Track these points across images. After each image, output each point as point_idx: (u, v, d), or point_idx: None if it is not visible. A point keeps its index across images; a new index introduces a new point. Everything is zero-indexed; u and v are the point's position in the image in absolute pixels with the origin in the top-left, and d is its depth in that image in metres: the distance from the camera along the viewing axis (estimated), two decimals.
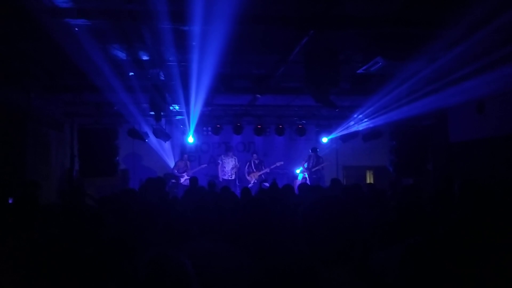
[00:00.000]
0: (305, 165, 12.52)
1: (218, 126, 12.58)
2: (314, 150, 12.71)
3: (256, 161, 12.58)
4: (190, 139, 12.41)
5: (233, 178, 12.31)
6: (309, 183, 11.81)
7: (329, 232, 1.78)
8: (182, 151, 12.63)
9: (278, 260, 1.67)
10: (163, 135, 11.73)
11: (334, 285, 1.69)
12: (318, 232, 1.79)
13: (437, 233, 2.58)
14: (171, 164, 12.80)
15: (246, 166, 12.71)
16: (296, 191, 7.78)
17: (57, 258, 2.82)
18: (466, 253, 2.92)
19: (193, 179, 8.75)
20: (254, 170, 12.51)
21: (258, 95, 9.73)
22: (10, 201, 6.04)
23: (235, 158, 12.48)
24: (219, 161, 12.57)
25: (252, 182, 12.38)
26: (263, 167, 12.53)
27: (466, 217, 3.71)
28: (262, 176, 12.34)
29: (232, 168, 12.38)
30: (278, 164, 12.52)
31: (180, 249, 2.74)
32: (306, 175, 12.47)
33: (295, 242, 2.17)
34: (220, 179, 12.08)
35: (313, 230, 1.80)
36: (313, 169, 12.37)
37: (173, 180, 11.97)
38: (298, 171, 12.92)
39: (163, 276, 1.75)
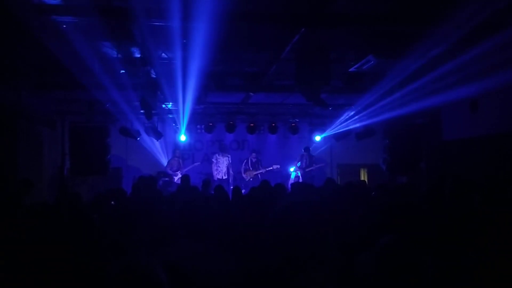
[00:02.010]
0: (298, 164, 12.52)
1: (211, 124, 12.52)
2: (306, 149, 12.69)
3: (254, 160, 12.50)
4: (182, 138, 12.35)
5: (226, 177, 12.24)
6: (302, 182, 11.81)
7: (299, 237, 1.74)
8: (175, 149, 12.56)
9: (258, 261, 1.64)
10: (155, 133, 11.67)
11: (313, 285, 1.66)
12: (288, 237, 1.75)
13: (418, 231, 2.56)
14: (164, 162, 12.74)
15: (243, 164, 12.65)
16: (288, 190, 7.74)
17: (42, 256, 2.78)
18: (452, 250, 2.91)
19: (184, 178, 8.69)
20: (251, 168, 12.46)
21: (251, 93, 9.69)
22: None
23: (229, 157, 12.42)
24: (214, 160, 12.48)
25: (247, 180, 12.33)
26: (260, 166, 12.47)
27: (455, 214, 3.70)
28: (258, 176, 12.29)
29: (226, 167, 12.31)
30: (274, 167, 12.48)
31: (165, 250, 2.71)
32: (299, 174, 12.45)
33: (275, 243, 2.14)
34: (215, 178, 12.00)
35: (283, 236, 1.77)
36: (307, 169, 12.37)
37: (166, 179, 11.90)
38: (292, 169, 12.90)
39: (134, 285, 1.71)
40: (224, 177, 12.18)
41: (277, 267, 1.62)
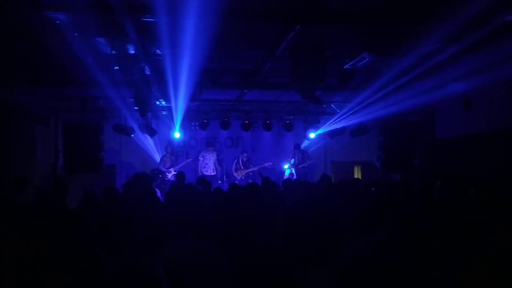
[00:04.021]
0: (292, 161, 12.55)
1: (205, 121, 12.50)
2: (296, 146, 12.74)
3: (245, 159, 12.56)
4: (177, 135, 12.31)
5: (214, 173, 12.25)
6: (296, 178, 11.83)
7: (309, 233, 1.75)
8: (167, 146, 12.52)
9: (255, 257, 1.64)
10: (149, 130, 11.63)
11: (310, 282, 1.66)
12: (298, 233, 1.76)
13: (408, 227, 2.57)
14: (158, 159, 12.71)
15: (234, 163, 12.70)
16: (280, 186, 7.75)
17: (32, 256, 2.76)
18: (437, 246, 2.92)
19: (179, 175, 8.66)
20: (242, 167, 12.50)
21: (246, 90, 9.67)
22: None
23: (215, 153, 12.44)
24: (200, 158, 12.49)
25: (238, 178, 12.35)
26: (251, 165, 12.51)
27: (444, 212, 3.72)
28: (250, 173, 12.31)
29: (214, 163, 12.32)
30: (266, 164, 12.55)
31: (162, 249, 2.70)
32: (293, 171, 12.47)
33: (274, 240, 2.14)
34: (200, 174, 12.00)
35: (292, 231, 1.77)
36: (299, 166, 12.40)
37: (160, 176, 11.88)
38: (286, 166, 12.91)
39: (133, 284, 1.70)
40: (212, 173, 12.20)
41: (275, 262, 1.62)
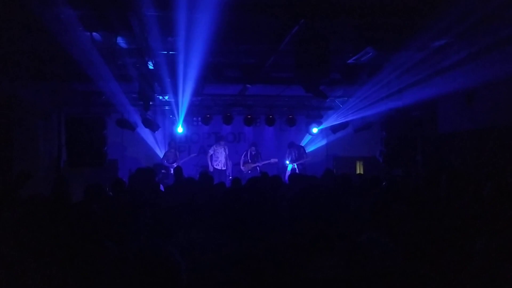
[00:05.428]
0: (288, 160, 12.55)
1: (208, 116, 12.51)
2: (290, 145, 12.72)
3: (253, 153, 12.53)
4: (180, 129, 12.33)
5: (224, 168, 12.26)
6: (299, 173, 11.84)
7: (314, 219, 1.76)
8: (171, 141, 12.55)
9: (262, 247, 1.67)
10: (152, 125, 11.64)
11: (318, 270, 1.69)
12: (303, 219, 1.78)
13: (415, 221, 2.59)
14: (161, 154, 12.74)
15: (243, 155, 12.67)
16: (285, 181, 7.78)
17: (42, 249, 2.77)
18: (446, 240, 2.94)
19: (177, 170, 8.65)
20: (249, 161, 12.50)
21: (248, 85, 9.68)
22: None
23: (226, 148, 12.42)
24: (211, 151, 12.47)
25: (245, 172, 12.36)
26: (259, 159, 12.51)
27: (450, 208, 3.74)
28: (257, 168, 12.32)
29: (225, 158, 12.32)
30: (272, 161, 12.55)
31: (169, 240, 2.72)
32: (295, 166, 12.48)
33: (280, 230, 2.16)
34: (211, 169, 12.03)
35: (298, 217, 1.79)
36: (297, 163, 12.41)
37: (163, 171, 11.90)
38: (287, 162, 12.92)
39: (152, 266, 1.72)
40: (223, 168, 12.21)
41: (280, 249, 1.65)
